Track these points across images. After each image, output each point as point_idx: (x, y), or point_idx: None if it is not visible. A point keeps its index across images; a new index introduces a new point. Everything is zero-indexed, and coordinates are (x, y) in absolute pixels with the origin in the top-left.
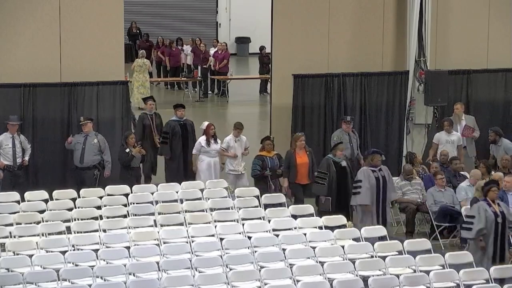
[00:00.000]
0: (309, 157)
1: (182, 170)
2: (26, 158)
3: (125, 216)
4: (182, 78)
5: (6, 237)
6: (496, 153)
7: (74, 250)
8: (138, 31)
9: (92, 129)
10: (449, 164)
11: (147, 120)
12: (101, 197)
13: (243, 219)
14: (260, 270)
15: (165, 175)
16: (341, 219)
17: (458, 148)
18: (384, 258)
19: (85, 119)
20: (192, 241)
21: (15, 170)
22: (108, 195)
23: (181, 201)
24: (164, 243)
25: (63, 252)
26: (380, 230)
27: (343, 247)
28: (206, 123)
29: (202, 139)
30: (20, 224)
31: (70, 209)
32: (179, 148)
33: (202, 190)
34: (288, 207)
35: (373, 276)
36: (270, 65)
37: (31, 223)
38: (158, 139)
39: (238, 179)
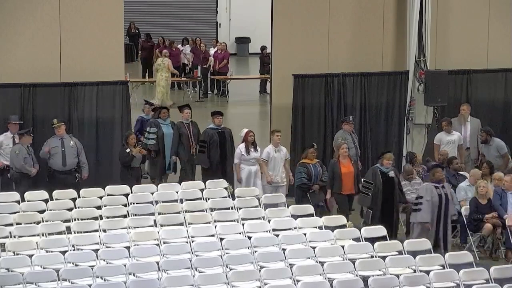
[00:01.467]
0: (354, 166)
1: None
2: None
3: (125, 216)
4: (182, 78)
5: (6, 237)
6: (488, 153)
7: (74, 250)
8: (137, 31)
9: (65, 132)
10: (448, 164)
11: (184, 128)
12: (101, 197)
13: (243, 219)
14: (260, 270)
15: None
16: (341, 219)
17: (458, 147)
18: (384, 258)
19: (59, 121)
20: (192, 241)
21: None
22: (108, 195)
23: (181, 201)
24: (164, 243)
25: (63, 252)
26: (380, 230)
27: (343, 247)
28: (245, 130)
29: (241, 147)
30: (20, 224)
31: (70, 209)
32: (217, 157)
33: (202, 190)
34: (288, 207)
35: (373, 276)
36: (270, 65)
37: (31, 223)
38: (195, 148)
39: (277, 190)
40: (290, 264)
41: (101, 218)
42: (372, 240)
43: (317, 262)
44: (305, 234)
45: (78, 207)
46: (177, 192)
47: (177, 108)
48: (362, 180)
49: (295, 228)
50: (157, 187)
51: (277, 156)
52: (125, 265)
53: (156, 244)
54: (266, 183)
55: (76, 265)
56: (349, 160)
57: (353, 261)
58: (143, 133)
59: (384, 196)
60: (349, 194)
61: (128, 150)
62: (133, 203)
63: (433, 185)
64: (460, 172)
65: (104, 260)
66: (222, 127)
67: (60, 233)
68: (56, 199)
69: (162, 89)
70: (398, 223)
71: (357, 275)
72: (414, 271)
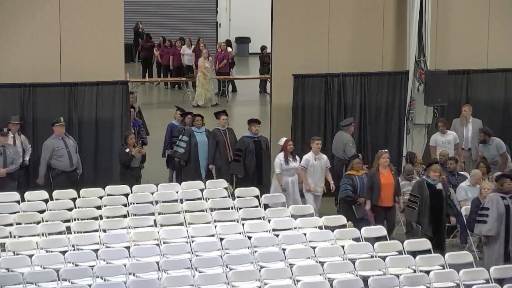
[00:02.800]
0: (394, 177)
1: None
2: (27, 158)
3: (125, 216)
4: (182, 78)
5: (6, 237)
6: (487, 152)
7: (74, 250)
8: (142, 31)
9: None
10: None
11: (220, 136)
12: (101, 197)
13: (243, 219)
14: (260, 270)
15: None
16: (341, 219)
17: (456, 147)
18: (384, 258)
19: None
20: (192, 241)
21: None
22: (108, 195)
23: (181, 201)
24: (164, 243)
25: (63, 252)
26: (380, 230)
27: (343, 247)
28: (283, 139)
29: (280, 157)
30: (20, 224)
31: (70, 209)
32: (253, 166)
33: (202, 190)
34: (288, 207)
35: (373, 276)
36: (270, 65)
37: (31, 223)
38: (231, 157)
39: (316, 200)
40: (290, 264)
41: (101, 218)
42: (372, 240)
43: (317, 262)
44: (305, 234)
45: (78, 207)
46: (177, 192)
47: (213, 114)
48: (409, 193)
49: (295, 228)
50: (157, 187)
51: (317, 164)
52: (125, 265)
53: (156, 244)
54: (305, 191)
55: (76, 265)
56: (390, 170)
57: (353, 261)
58: (172, 141)
59: (432, 209)
60: (389, 206)
61: (127, 150)
62: (133, 203)
63: (500, 195)
64: (461, 172)
65: (104, 260)
66: (259, 135)
67: (60, 233)
68: (56, 199)
69: (198, 89)
70: (446, 237)
71: (357, 275)
72: (414, 271)
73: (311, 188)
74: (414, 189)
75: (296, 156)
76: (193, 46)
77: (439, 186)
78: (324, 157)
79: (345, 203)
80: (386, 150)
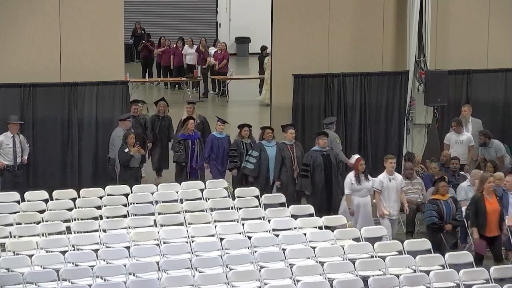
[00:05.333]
0: (500, 203)
1: (325, 208)
2: (25, 157)
3: (125, 216)
4: (182, 78)
5: (6, 237)
6: (488, 155)
7: (74, 250)
8: (143, 32)
9: None
10: (449, 164)
11: (287, 151)
12: (101, 197)
13: (243, 219)
14: (260, 270)
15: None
16: (341, 219)
17: (469, 148)
18: (384, 258)
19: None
20: (192, 241)
21: (15, 170)
22: (108, 195)
23: (181, 201)
24: (164, 243)
25: (63, 252)
26: (380, 230)
27: (343, 247)
28: (355, 157)
29: (351, 176)
30: (20, 224)
31: (70, 209)
32: (321, 182)
33: (202, 190)
34: (288, 207)
35: (373, 276)
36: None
37: (31, 223)
38: (297, 172)
39: (392, 224)
40: (290, 264)
41: (101, 218)
42: (372, 240)
43: (317, 262)
44: (305, 234)
45: (78, 207)
46: (177, 192)
47: (281, 127)
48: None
49: (295, 228)
50: (157, 187)
51: (391, 185)
52: (125, 265)
53: (156, 244)
54: (379, 216)
55: (76, 265)
56: (494, 196)
57: (353, 261)
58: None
59: None
60: (493, 236)
61: (126, 150)
62: (133, 203)
63: None
64: (461, 172)
65: (104, 260)
66: (327, 149)
67: (60, 233)
68: (56, 199)
69: (267, 86)
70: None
71: (357, 275)
72: (414, 271)
73: (386, 213)
74: None
75: (369, 176)
76: (195, 46)
77: None
78: (399, 177)
79: (431, 230)
80: (491, 173)
